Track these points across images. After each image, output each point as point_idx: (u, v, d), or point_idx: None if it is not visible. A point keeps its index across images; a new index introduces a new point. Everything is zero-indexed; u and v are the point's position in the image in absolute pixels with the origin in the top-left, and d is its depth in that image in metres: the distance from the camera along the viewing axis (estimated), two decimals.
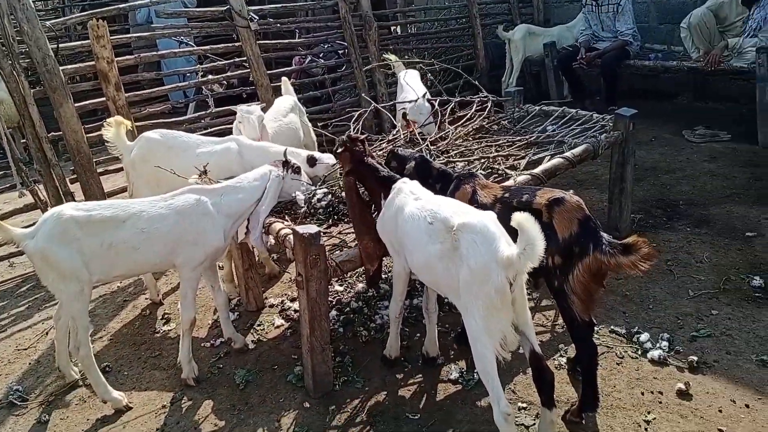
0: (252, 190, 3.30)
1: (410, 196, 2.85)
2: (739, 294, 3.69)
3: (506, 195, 3.00)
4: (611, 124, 4.33)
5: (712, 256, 4.12)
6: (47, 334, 3.97)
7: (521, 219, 2.24)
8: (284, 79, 5.39)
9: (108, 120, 3.99)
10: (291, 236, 3.07)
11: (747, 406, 2.86)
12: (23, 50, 4.93)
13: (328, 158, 3.91)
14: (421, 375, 3.26)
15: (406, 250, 2.86)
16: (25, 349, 3.86)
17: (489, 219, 2.49)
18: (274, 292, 4.26)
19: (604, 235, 2.69)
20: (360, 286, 4.13)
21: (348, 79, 7.54)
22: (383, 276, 3.77)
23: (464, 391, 3.10)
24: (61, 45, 5.11)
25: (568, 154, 3.94)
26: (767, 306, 3.56)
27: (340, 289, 4.15)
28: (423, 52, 8.33)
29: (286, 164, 3.44)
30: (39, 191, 4.96)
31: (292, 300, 4.07)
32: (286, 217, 3.52)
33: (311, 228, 2.95)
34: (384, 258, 3.23)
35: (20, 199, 5.14)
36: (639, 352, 3.29)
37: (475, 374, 3.14)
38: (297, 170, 3.47)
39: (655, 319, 3.54)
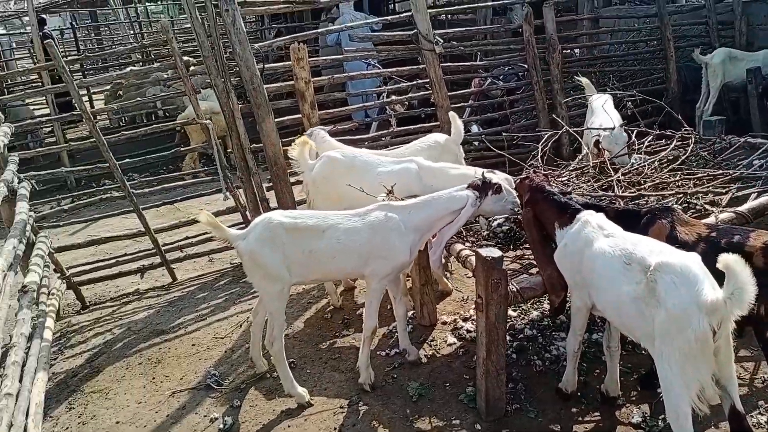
0: (440, 209, 3.36)
1: (599, 231, 2.75)
2: None
3: (712, 234, 2.80)
4: None
5: None
6: (241, 326, 4.40)
7: (730, 261, 2.10)
8: (452, 114, 5.01)
9: (296, 140, 4.31)
10: (473, 258, 3.13)
11: None
12: (233, 69, 5.53)
13: (505, 177, 3.83)
14: (598, 414, 3.14)
15: (592, 287, 2.77)
16: (222, 338, 4.31)
17: (692, 260, 2.35)
18: (447, 309, 4.33)
19: None
20: (535, 313, 4.07)
21: (526, 102, 7.49)
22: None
23: None
24: (264, 65, 5.66)
25: None
26: None
27: (513, 314, 4.12)
28: (608, 75, 8.02)
29: (485, 186, 3.37)
30: (240, 196, 5.53)
31: (465, 320, 4.11)
32: (468, 238, 3.58)
33: (494, 251, 2.98)
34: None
35: (223, 202, 5.74)
36: None
37: (660, 421, 2.96)
38: (498, 190, 3.39)
39: None
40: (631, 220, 3.01)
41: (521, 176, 3.30)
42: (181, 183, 5.90)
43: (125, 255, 5.46)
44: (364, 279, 3.49)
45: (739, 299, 2.10)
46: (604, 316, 2.91)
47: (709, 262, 2.41)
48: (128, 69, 8.95)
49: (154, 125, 6.77)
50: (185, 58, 8.24)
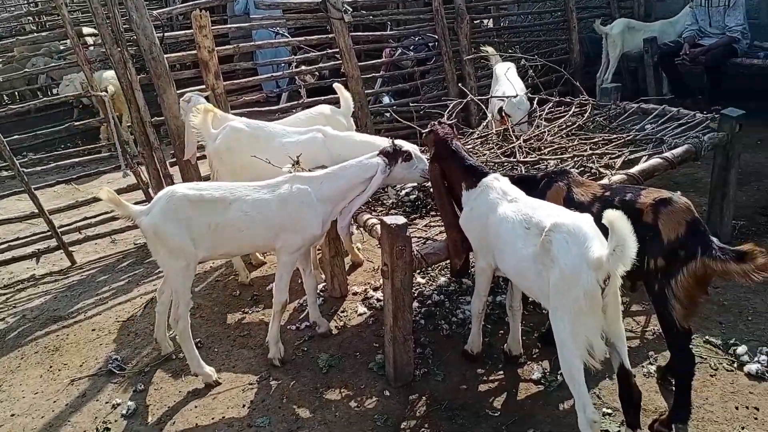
0: (352, 178, 3.31)
1: (504, 196, 2.80)
2: None
3: (606, 193, 2.89)
4: (715, 125, 4.10)
5: None
6: (145, 307, 4.23)
7: (612, 217, 2.15)
8: (337, 86, 4.94)
9: (197, 107, 4.14)
10: (378, 226, 3.12)
11: None
12: (131, 38, 5.23)
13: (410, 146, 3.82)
14: (502, 372, 3.24)
15: (496, 250, 2.82)
16: (124, 321, 4.12)
17: (584, 220, 2.42)
18: (358, 280, 4.33)
19: (714, 240, 2.57)
20: (442, 279, 4.13)
21: (437, 72, 7.53)
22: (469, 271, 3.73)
23: (546, 392, 3.06)
24: (165, 34, 5.38)
25: (667, 154, 3.77)
26: None
27: (422, 281, 4.17)
28: (515, 45, 8.19)
29: (396, 154, 3.33)
30: (141, 173, 5.27)
31: (375, 289, 4.12)
32: (376, 208, 3.57)
33: (399, 219, 2.98)
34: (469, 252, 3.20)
35: (123, 180, 5.47)
36: (735, 365, 3.12)
37: (559, 376, 3.08)
38: (408, 158, 3.34)
39: (755, 332, 3.35)
40: (530, 184, 3.08)
41: (428, 129, 3.23)
42: (77, 160, 5.53)
43: (18, 239, 5.11)
44: (275, 252, 3.40)
45: (623, 254, 2.16)
46: (507, 277, 2.98)
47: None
48: (15, 39, 8.30)
49: (45, 99, 6.34)
50: (86, 30, 7.81)
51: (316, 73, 7.05)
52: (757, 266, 2.39)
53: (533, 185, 3.08)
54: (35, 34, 8.60)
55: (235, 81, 6.02)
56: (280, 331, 3.48)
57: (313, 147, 3.92)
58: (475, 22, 7.82)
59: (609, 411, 2.89)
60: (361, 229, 3.44)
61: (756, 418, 2.79)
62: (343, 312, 3.95)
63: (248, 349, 3.66)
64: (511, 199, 2.77)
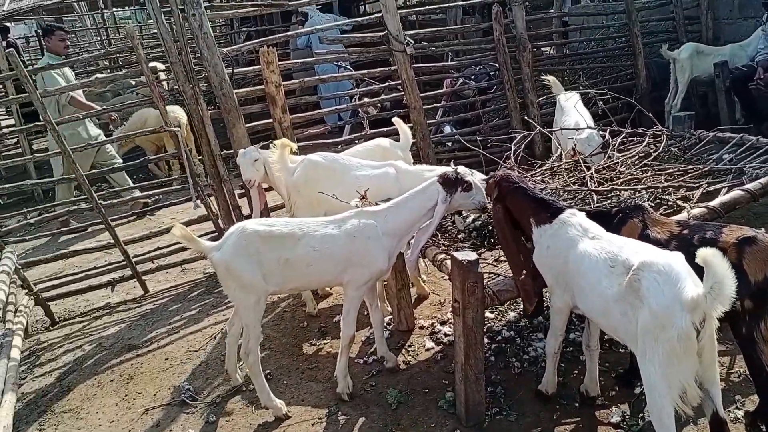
0: (414, 208, 3.31)
1: (584, 233, 2.72)
2: None
3: (684, 231, 2.79)
4: None
5: None
6: (216, 337, 4.31)
7: (707, 255, 2.08)
8: (396, 120, 5.14)
9: (275, 142, 4.27)
10: (448, 261, 3.09)
11: None
12: (202, 74, 5.43)
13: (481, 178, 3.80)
14: (578, 414, 3.12)
15: (576, 288, 2.73)
16: (196, 351, 4.21)
17: (675, 258, 2.33)
18: (424, 313, 4.30)
19: None
20: (512, 314, 4.05)
21: (498, 101, 7.50)
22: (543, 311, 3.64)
23: None
24: (234, 70, 5.58)
25: (749, 186, 3.61)
26: None
27: (491, 316, 4.10)
28: (578, 72, 8.09)
29: (456, 182, 3.29)
30: (211, 204, 5.43)
31: (442, 323, 4.08)
32: (440, 239, 3.54)
33: (470, 255, 2.95)
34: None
35: (194, 211, 5.64)
36: None
37: (640, 420, 2.96)
38: (468, 188, 3.32)
39: None
40: (603, 219, 2.98)
41: (492, 173, 3.19)
42: (151, 192, 5.76)
43: (95, 268, 5.32)
44: (342, 287, 3.43)
45: (720, 293, 2.08)
46: (587, 317, 2.88)
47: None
48: (93, 77, 8.76)
49: (123, 135, 6.65)
50: (153, 64, 8.17)
51: (379, 104, 7.15)
52: None
53: (607, 221, 2.99)
54: (113, 73, 9.09)
55: (300, 114, 6.16)
56: (347, 365, 3.48)
57: (386, 182, 3.96)
58: (537, 50, 7.78)
59: None
60: (428, 261, 3.41)
61: None
62: (410, 346, 3.92)
63: (317, 382, 3.67)
64: (593, 236, 2.68)
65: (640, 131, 4.61)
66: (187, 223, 5.55)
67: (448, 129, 7.13)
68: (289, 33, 6.93)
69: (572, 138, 4.48)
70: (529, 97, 7.13)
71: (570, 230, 2.74)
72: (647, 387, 2.31)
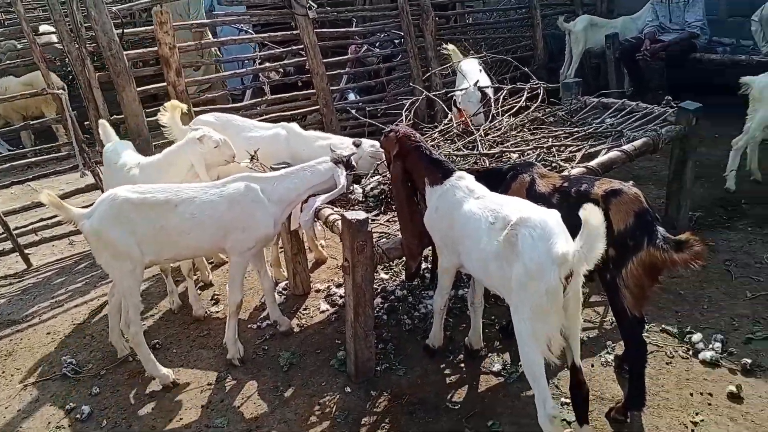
0: (304, 182, 3.33)
1: (469, 194, 2.77)
2: None
3: (565, 184, 2.91)
4: (673, 118, 4.15)
5: None
6: (101, 310, 4.13)
7: (588, 213, 2.12)
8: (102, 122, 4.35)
9: (164, 104, 4.09)
10: (339, 222, 3.09)
11: None
12: (89, 35, 5.11)
13: (370, 144, 3.88)
14: (463, 366, 3.23)
15: (461, 246, 2.79)
16: (80, 324, 4.02)
17: (550, 215, 2.40)
18: (321, 277, 4.30)
19: (660, 229, 2.58)
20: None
21: (403, 69, 7.52)
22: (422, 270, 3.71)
23: (506, 384, 3.06)
24: (125, 30, 5.28)
25: (626, 147, 3.81)
26: None
27: (386, 277, 4.15)
28: (480, 42, 8.22)
29: (348, 164, 3.42)
30: (100, 172, 5.16)
31: (338, 286, 4.09)
32: (336, 205, 3.53)
33: (360, 214, 2.95)
34: (426, 249, 3.19)
35: (81, 179, 5.35)
36: (690, 353, 3.16)
37: (518, 367, 3.09)
38: (351, 166, 3.45)
39: (709, 320, 3.40)
40: (496, 177, 3.08)
41: (387, 129, 3.21)
42: (34, 160, 5.40)
43: None
44: (226, 253, 3.35)
45: (589, 253, 2.15)
46: (471, 274, 2.97)
47: (562, 210, 2.52)
48: None
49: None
50: (44, 26, 7.60)
51: (281, 69, 7.00)
52: (695, 254, 2.42)
53: (500, 178, 3.09)
54: None
55: (197, 78, 5.94)
56: (238, 330, 3.43)
57: (276, 143, 3.89)
58: (440, 19, 7.84)
59: (567, 401, 2.89)
60: (323, 224, 3.40)
61: (710, 404, 2.82)
62: (305, 310, 3.91)
63: (207, 349, 3.60)
64: (478, 197, 2.75)
65: (519, 86, 4.76)
66: (74, 193, 5.27)
67: (352, 96, 7.08)
68: None
69: (454, 96, 4.57)
70: (432, 65, 7.18)
71: (457, 192, 2.79)
72: (518, 337, 2.40)
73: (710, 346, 3.16)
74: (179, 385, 3.29)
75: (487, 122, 4.32)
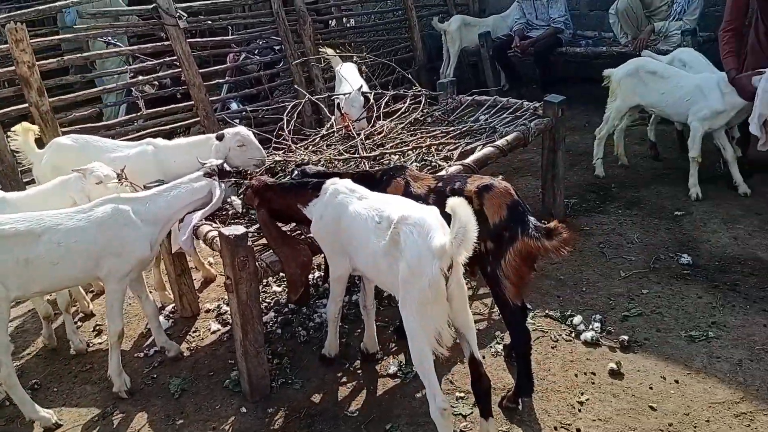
0: (181, 198, 3.22)
1: (352, 195, 2.78)
2: (668, 272, 3.79)
3: (439, 184, 2.99)
4: (541, 111, 4.38)
5: (642, 236, 4.23)
6: None
7: (454, 204, 2.20)
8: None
9: (14, 128, 3.82)
10: (218, 238, 2.99)
11: (676, 381, 2.93)
12: None
13: (234, 132, 3.81)
14: (360, 371, 3.24)
15: (351, 248, 2.80)
16: None
17: (429, 212, 2.46)
18: (210, 296, 4.16)
19: (532, 219, 2.71)
20: None
21: (286, 75, 7.44)
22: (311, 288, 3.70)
23: (403, 385, 3.09)
24: None
25: (499, 142, 3.97)
26: (695, 282, 3.66)
27: (278, 289, 4.08)
28: (360, 45, 8.30)
29: (222, 173, 3.34)
30: None
31: (228, 304, 3.97)
32: (215, 219, 3.43)
33: (238, 229, 2.89)
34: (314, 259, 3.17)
35: None
36: (573, 335, 3.34)
37: (413, 368, 3.13)
38: (226, 174, 3.38)
39: (588, 301, 3.61)
40: (369, 182, 3.10)
41: (247, 185, 3.18)
42: None
43: None
44: (101, 281, 3.16)
45: (464, 239, 2.21)
46: (363, 275, 2.98)
47: (440, 209, 2.51)
48: None
49: None
50: None
51: (156, 82, 6.71)
52: (564, 241, 2.56)
53: (373, 183, 3.11)
54: None
55: (63, 97, 5.56)
56: (124, 360, 3.25)
57: (143, 160, 3.73)
58: (319, 24, 7.85)
59: (461, 395, 2.98)
60: (203, 242, 3.29)
61: (593, 383, 2.99)
62: (195, 332, 3.77)
63: (92, 384, 3.38)
64: (360, 197, 2.76)
65: (402, 92, 4.86)
66: None
67: (234, 105, 6.90)
68: (41, 7, 6.16)
69: (337, 100, 4.60)
70: (314, 70, 7.16)
71: (339, 195, 2.80)
72: (408, 332, 2.43)
73: (590, 326, 3.35)
74: (62, 426, 3.07)
75: (369, 126, 4.37)
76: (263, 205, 3.01)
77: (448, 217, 2.27)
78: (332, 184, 2.87)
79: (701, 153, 4.58)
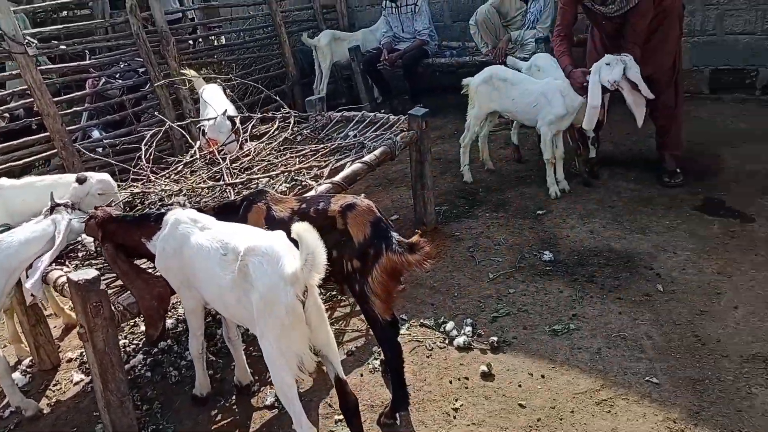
0: (26, 243, 2.99)
1: (194, 226, 2.70)
2: (532, 270, 3.97)
3: (303, 206, 2.96)
4: (406, 125, 4.47)
5: (508, 237, 4.40)
6: None
7: (298, 229, 2.19)
8: None
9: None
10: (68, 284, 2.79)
11: (543, 376, 3.07)
12: None
13: (98, 179, 3.61)
14: (236, 407, 3.13)
15: (198, 282, 2.71)
16: None
17: (276, 239, 2.43)
18: (72, 344, 3.86)
19: (395, 234, 2.75)
20: (169, 322, 3.88)
21: (152, 99, 7.14)
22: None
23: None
24: None
25: (367, 158, 3.99)
26: (557, 277, 3.86)
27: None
28: (231, 63, 8.15)
29: (68, 206, 3.19)
30: None
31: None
32: (67, 261, 3.20)
33: (88, 273, 2.70)
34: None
35: None
36: (446, 341, 3.41)
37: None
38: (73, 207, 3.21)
39: (460, 306, 3.70)
40: (232, 211, 3.03)
41: (90, 214, 2.99)
42: None
43: None
44: None
45: (314, 263, 2.20)
46: (214, 309, 2.88)
47: None
48: None
49: None
50: None
51: (6, 114, 6.23)
52: (426, 254, 2.61)
53: (235, 210, 3.04)
54: None
55: None
56: None
57: None
58: (184, 43, 7.62)
59: (340, 418, 2.95)
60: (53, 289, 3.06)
61: (467, 387, 3.06)
62: (56, 385, 3.49)
63: None
64: (203, 227, 2.69)
65: (270, 115, 4.80)
66: None
67: (96, 134, 6.51)
68: None
69: (202, 125, 4.48)
70: (181, 92, 6.92)
71: (180, 226, 2.71)
72: (268, 362, 2.39)
73: (462, 331, 3.44)
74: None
75: (236, 150, 4.26)
76: (107, 239, 2.87)
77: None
78: (173, 215, 2.79)
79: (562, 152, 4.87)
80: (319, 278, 2.27)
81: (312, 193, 3.59)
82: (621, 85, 4.28)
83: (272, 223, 2.89)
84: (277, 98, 5.17)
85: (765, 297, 3.39)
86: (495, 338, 3.33)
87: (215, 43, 8.45)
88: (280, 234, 2.48)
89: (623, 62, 4.26)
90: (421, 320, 3.60)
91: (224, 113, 4.37)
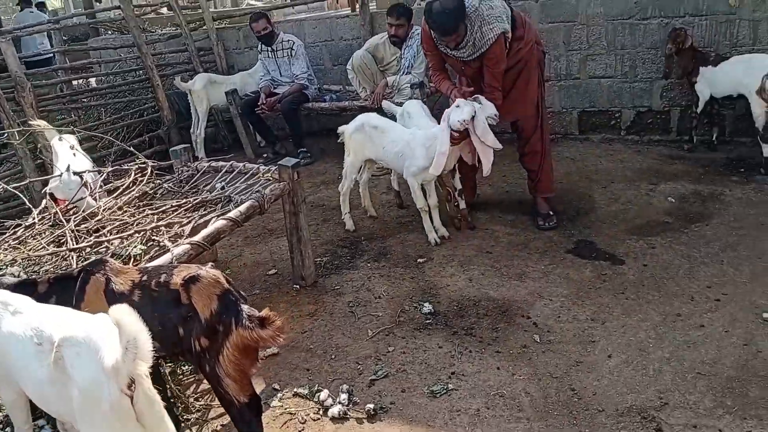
0: None
1: (5, 310, 2.34)
2: (412, 324, 3.82)
3: (144, 278, 2.67)
4: (276, 176, 4.25)
5: (389, 288, 4.25)
6: None
7: (115, 314, 1.91)
8: None
9: None
10: None
11: None
12: None
13: None
14: None
15: (15, 375, 2.33)
16: None
17: (96, 325, 2.12)
18: None
19: (245, 307, 2.53)
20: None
21: (8, 150, 6.54)
22: None
23: None
24: None
25: (231, 214, 3.71)
26: (436, 331, 3.73)
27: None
28: (101, 108, 7.66)
29: None
30: None
31: None
32: None
33: None
34: None
35: None
36: (321, 412, 3.16)
37: None
38: None
39: (337, 370, 3.48)
40: (70, 284, 2.68)
41: None
42: None
43: None
44: None
45: (138, 350, 1.93)
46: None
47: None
48: None
49: None
50: None
51: None
52: (278, 329, 2.43)
53: (73, 283, 2.69)
54: None
55: None
56: None
57: None
58: (44, 88, 7.07)
59: None
60: None
61: None
62: None
63: None
64: (15, 311, 2.33)
65: (125, 167, 4.44)
66: None
67: None
68: None
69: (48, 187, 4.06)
70: (41, 140, 6.35)
71: None
72: None
73: (338, 399, 3.19)
74: None
75: (82, 210, 3.86)
76: None
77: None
78: None
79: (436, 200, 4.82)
80: (147, 367, 2.00)
81: (168, 255, 3.28)
82: (470, 128, 4.30)
83: (112, 298, 2.58)
84: (132, 149, 4.79)
85: (636, 343, 3.41)
86: (371, 405, 3.12)
87: (83, 87, 7.89)
88: (100, 317, 2.18)
89: (474, 104, 4.30)
90: (295, 389, 3.33)
91: (68, 169, 3.96)
